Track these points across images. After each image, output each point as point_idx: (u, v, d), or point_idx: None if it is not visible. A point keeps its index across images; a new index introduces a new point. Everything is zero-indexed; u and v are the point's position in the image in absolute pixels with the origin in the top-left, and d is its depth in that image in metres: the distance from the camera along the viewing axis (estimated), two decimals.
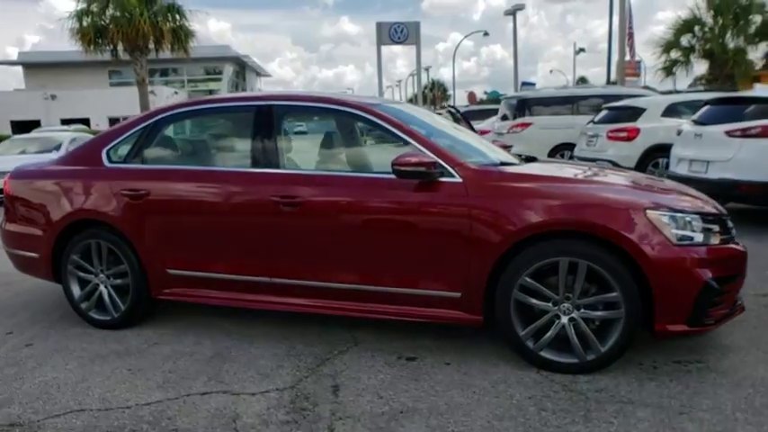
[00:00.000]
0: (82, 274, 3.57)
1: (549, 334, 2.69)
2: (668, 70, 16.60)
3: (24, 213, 3.71)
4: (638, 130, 8.26)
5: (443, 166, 2.81)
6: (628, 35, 17.81)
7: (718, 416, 2.29)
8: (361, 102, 3.15)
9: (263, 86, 49.98)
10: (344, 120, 3.42)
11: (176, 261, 3.31)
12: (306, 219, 3.00)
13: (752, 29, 14.53)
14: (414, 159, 2.73)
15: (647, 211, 2.56)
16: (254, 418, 2.41)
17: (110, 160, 3.51)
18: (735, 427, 2.21)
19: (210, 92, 40.60)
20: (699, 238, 2.60)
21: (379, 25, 30.35)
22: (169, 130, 3.56)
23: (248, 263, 3.15)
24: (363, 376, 2.77)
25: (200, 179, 3.25)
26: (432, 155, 2.80)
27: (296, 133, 3.57)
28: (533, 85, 23.29)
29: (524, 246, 2.66)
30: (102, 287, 3.52)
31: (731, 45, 14.99)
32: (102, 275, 3.51)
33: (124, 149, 3.54)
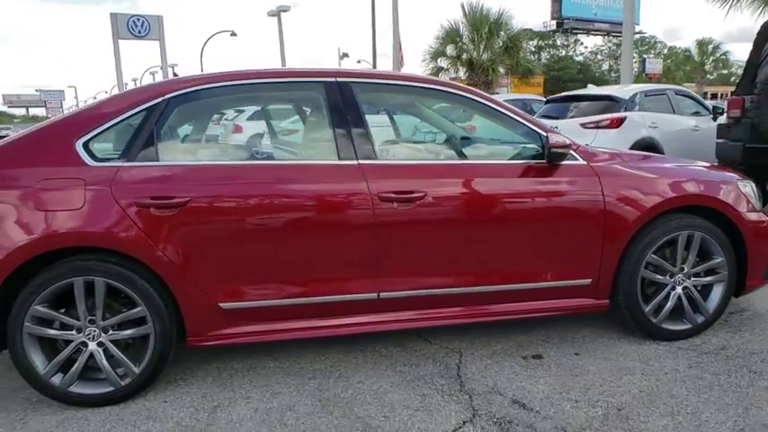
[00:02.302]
0: (53, 331, 2.34)
1: (668, 305, 2.83)
2: (435, 76, 18.82)
3: None
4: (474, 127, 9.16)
5: None
6: (399, 45, 19.50)
7: None
8: (456, 83, 2.79)
9: None
10: (439, 102, 2.97)
11: (238, 291, 2.42)
12: (425, 217, 2.52)
13: (500, 43, 17.50)
14: (565, 141, 2.56)
15: (738, 183, 2.90)
16: None
17: (93, 157, 2.36)
18: None
19: None
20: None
21: (114, 17, 27.12)
22: (194, 114, 2.57)
23: (349, 279, 2.51)
24: (526, 385, 2.49)
25: (272, 176, 2.43)
26: (564, 137, 2.65)
27: (379, 117, 2.94)
28: None
29: (651, 224, 2.74)
30: (92, 346, 2.37)
31: (484, 56, 17.77)
32: (92, 328, 2.36)
33: (117, 142, 2.43)
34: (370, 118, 2.63)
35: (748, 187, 2.94)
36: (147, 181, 2.33)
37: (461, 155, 2.87)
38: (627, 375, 2.54)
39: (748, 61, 5.42)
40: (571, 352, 2.80)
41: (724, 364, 2.61)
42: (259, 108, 2.90)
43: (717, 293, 2.90)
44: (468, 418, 2.23)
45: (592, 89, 8.07)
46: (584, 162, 2.73)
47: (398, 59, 20.02)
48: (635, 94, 7.08)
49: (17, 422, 2.31)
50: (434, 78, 2.86)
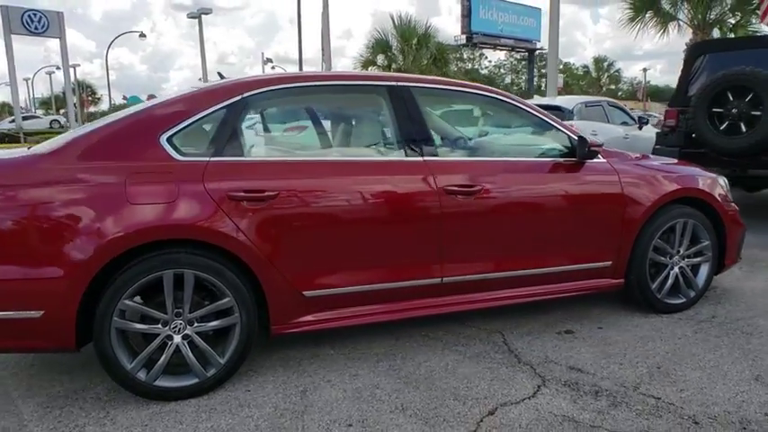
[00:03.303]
0: (140, 326, 2.35)
1: (669, 283, 3.32)
2: None
3: None
4: None
5: None
6: (328, 53, 19.68)
7: None
8: (502, 91, 3.12)
9: None
10: (486, 106, 3.25)
11: (321, 279, 2.56)
12: (482, 208, 2.80)
13: (428, 55, 18.27)
14: (597, 141, 2.95)
15: (718, 179, 3.46)
16: (567, 409, 2.27)
17: (178, 151, 2.41)
18: None
19: None
20: None
21: (6, 10, 25.24)
22: (268, 113, 2.67)
23: (418, 265, 2.72)
24: (572, 354, 2.83)
25: (349, 172, 2.59)
26: (592, 138, 3.05)
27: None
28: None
29: (658, 213, 3.20)
30: (177, 339, 2.40)
31: (413, 67, 18.44)
32: (178, 321, 2.39)
33: (200, 138, 2.48)
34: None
35: (722, 181, 3.51)
36: (238, 175, 2.42)
37: (505, 153, 3.20)
38: (650, 342, 2.96)
39: (681, 77, 6.25)
40: (595, 326, 3.19)
41: (720, 329, 3.12)
42: (326, 109, 3.05)
43: (704, 272, 3.43)
44: (541, 383, 2.53)
45: (538, 100, 8.79)
46: (605, 160, 3.14)
47: (327, 66, 20.21)
48: (575, 105, 7.83)
49: (105, 419, 2.29)
50: (481, 85, 3.16)
